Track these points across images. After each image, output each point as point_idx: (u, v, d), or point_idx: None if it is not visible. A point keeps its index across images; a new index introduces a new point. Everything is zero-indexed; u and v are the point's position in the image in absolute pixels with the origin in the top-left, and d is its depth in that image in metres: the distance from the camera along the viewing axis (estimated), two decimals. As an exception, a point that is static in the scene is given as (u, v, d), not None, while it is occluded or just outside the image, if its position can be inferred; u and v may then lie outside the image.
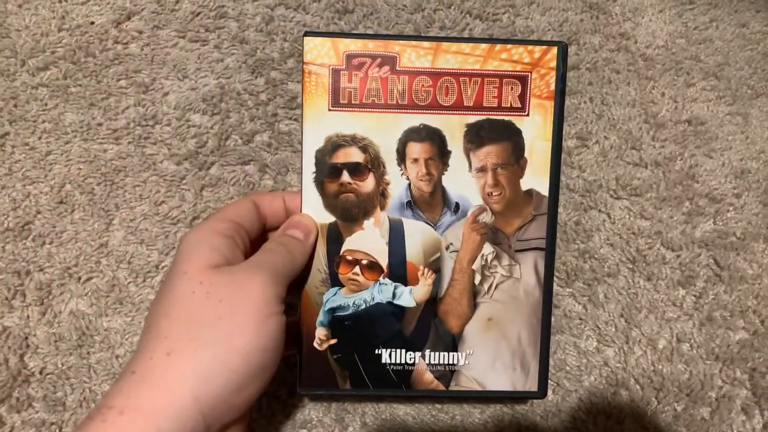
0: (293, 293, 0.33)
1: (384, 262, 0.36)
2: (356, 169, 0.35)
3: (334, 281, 0.36)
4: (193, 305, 0.28)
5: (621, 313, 0.42)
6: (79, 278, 0.41)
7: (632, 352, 0.42)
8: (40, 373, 0.40)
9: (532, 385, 0.37)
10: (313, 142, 0.35)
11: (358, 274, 0.36)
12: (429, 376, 0.36)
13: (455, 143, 0.36)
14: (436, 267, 0.36)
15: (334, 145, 0.35)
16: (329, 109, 0.35)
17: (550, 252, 0.36)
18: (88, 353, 0.41)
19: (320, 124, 0.35)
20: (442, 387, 0.37)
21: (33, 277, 0.41)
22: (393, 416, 0.41)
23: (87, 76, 0.43)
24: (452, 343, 0.36)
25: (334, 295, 0.36)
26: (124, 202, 0.42)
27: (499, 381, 0.37)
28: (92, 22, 0.43)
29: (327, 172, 0.35)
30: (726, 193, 0.44)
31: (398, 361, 0.36)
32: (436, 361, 0.36)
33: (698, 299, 0.43)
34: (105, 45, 0.43)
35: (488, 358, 0.36)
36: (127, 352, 0.41)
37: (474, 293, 0.36)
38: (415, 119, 0.35)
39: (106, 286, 0.41)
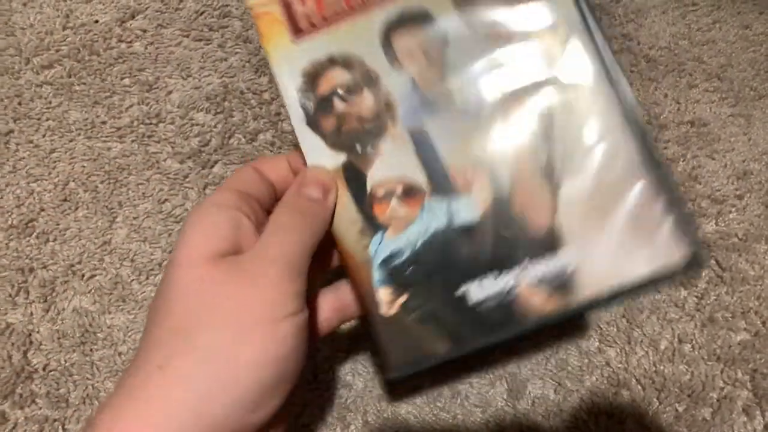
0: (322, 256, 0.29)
1: (422, 180, 0.29)
2: (347, 91, 0.30)
3: (375, 226, 0.29)
4: (189, 308, 0.24)
5: (623, 313, 0.42)
6: (83, 275, 0.42)
7: (634, 353, 0.42)
8: (44, 369, 0.41)
9: (680, 253, 0.27)
10: (290, 83, 0.30)
11: (397, 208, 0.29)
12: (540, 297, 0.27)
13: (445, 13, 0.29)
14: (485, 159, 0.28)
15: (313, 75, 0.30)
16: (292, 41, 0.30)
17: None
18: (91, 350, 0.41)
19: (290, 60, 0.30)
20: (562, 303, 0.27)
21: (36, 274, 0.41)
22: (395, 415, 0.41)
23: (91, 74, 0.43)
24: (549, 242, 0.28)
25: (381, 243, 0.29)
26: (127, 200, 0.42)
27: (634, 266, 0.27)
28: (96, 21, 0.43)
29: (316, 107, 0.30)
30: (728, 195, 0.44)
31: (490, 294, 0.28)
32: (541, 275, 0.28)
33: (700, 300, 0.43)
34: (109, 43, 0.43)
35: (605, 241, 0.27)
36: (129, 350, 0.41)
37: (549, 168, 0.28)
38: (389, 8, 0.29)
39: (109, 284, 0.42)
